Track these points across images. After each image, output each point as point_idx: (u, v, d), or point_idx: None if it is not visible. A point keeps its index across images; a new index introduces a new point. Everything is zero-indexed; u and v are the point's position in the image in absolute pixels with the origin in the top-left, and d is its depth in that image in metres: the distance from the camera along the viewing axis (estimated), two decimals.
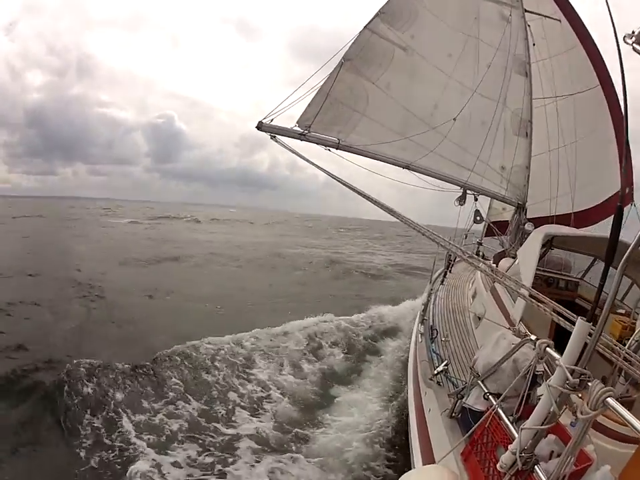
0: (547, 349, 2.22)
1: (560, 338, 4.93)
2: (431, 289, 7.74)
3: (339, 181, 5.57)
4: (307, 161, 6.03)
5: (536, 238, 5.29)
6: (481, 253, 10.95)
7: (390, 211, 4.55)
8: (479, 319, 5.55)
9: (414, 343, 5.97)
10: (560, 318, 2.56)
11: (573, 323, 2.05)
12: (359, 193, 5.13)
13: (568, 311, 2.64)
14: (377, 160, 6.78)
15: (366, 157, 6.73)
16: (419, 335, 5.62)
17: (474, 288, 6.82)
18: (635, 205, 8.22)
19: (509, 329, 3.69)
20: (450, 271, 9.06)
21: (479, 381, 2.95)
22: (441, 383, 4.06)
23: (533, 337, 2.44)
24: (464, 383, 3.41)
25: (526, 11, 8.92)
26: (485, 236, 10.36)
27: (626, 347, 2.71)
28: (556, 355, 2.10)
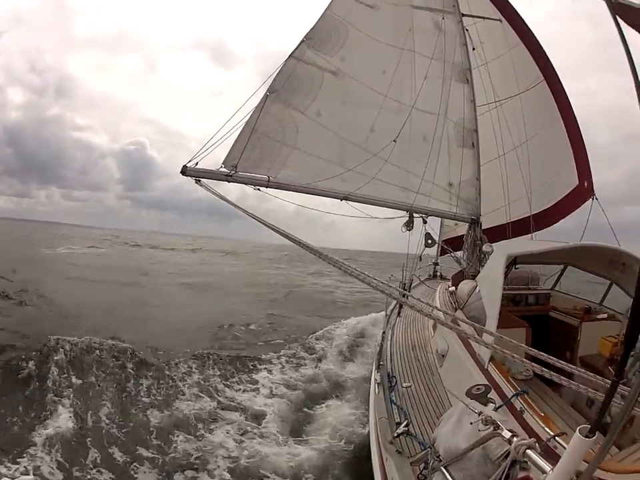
0: (528, 451, 1.81)
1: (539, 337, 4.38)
2: (387, 323, 7.21)
3: (253, 217, 5.03)
4: (232, 204, 5.49)
5: (497, 263, 4.72)
6: (438, 274, 10.49)
7: (307, 247, 4.03)
8: (443, 356, 5.03)
9: (372, 395, 5.34)
10: (540, 353, 2.52)
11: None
12: (272, 227, 4.52)
13: (543, 353, 2.56)
14: (313, 194, 6.36)
15: (299, 192, 6.31)
16: (376, 384, 5.03)
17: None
18: (596, 198, 7.82)
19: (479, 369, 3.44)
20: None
21: (442, 467, 2.45)
22: (401, 450, 3.53)
23: (506, 433, 1.99)
24: (430, 444, 2.98)
25: (463, 15, 8.62)
26: (441, 254, 9.87)
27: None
28: (542, 462, 1.71)
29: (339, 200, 6.32)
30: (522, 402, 3.05)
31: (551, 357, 2.41)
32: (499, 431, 2.03)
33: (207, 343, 10.87)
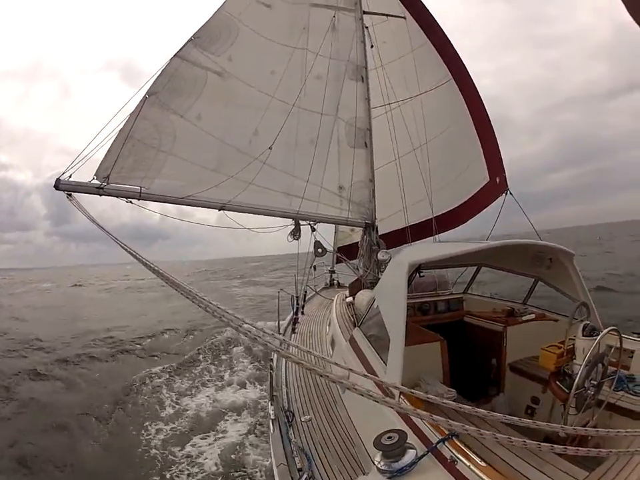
0: None
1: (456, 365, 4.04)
2: (280, 344, 6.77)
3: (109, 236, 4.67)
4: (103, 229, 5.03)
5: (398, 273, 3.92)
6: (335, 282, 10.15)
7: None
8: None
9: (270, 436, 4.40)
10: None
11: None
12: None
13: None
14: (187, 205, 6.04)
15: (173, 204, 6.00)
16: (271, 421, 4.32)
17: (331, 334, 5.72)
18: (510, 193, 7.79)
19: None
20: (302, 312, 8.08)
21: None
22: None
23: None
24: None
25: (365, 12, 8.44)
26: (337, 262, 9.63)
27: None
28: None
29: (217, 210, 6.03)
30: (452, 449, 2.33)
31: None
32: None
33: None
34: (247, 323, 2.49)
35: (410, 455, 2.27)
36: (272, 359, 5.99)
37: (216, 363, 10.93)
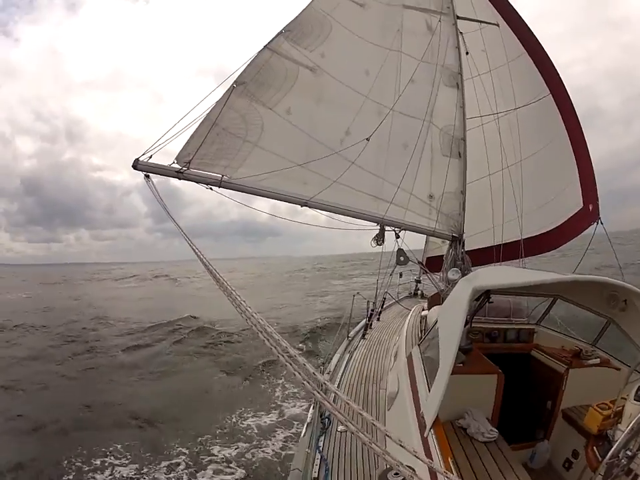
0: None
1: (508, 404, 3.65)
2: (346, 347, 6.35)
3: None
4: (172, 219, 4.87)
5: (461, 296, 3.73)
6: (419, 292, 9.68)
7: None
8: (393, 399, 4.15)
9: (300, 438, 4.43)
10: None
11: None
12: None
13: None
14: (269, 198, 5.65)
15: (254, 194, 5.62)
16: (306, 425, 4.25)
17: (397, 345, 5.41)
18: (601, 223, 7.05)
19: None
20: (378, 319, 7.60)
21: None
22: None
23: None
24: None
25: (458, 17, 8.01)
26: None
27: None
28: None
29: (300, 206, 5.60)
30: None
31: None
32: None
33: None
34: (288, 353, 2.31)
35: None
36: (339, 359, 5.79)
37: None
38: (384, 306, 8.35)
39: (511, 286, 3.95)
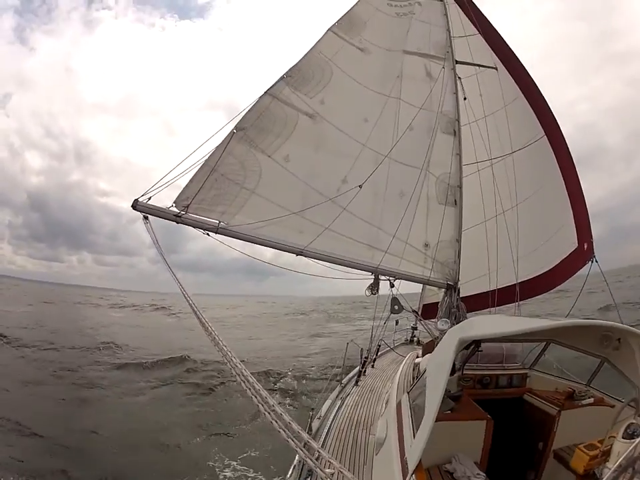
0: None
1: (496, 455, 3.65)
2: (338, 393, 6.33)
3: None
4: (163, 258, 4.97)
5: (448, 346, 3.77)
6: (415, 339, 9.68)
7: None
8: (380, 444, 4.16)
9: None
10: None
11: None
12: None
13: None
14: (265, 246, 5.71)
15: (250, 242, 5.67)
16: (292, 467, 4.35)
17: (389, 392, 5.45)
18: (596, 261, 7.08)
19: None
20: (373, 366, 7.58)
21: None
22: None
23: None
24: None
25: (457, 62, 8.16)
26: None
27: None
28: None
29: (295, 255, 5.65)
30: None
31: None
32: None
33: None
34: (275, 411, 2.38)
35: None
36: (331, 405, 5.78)
37: None
38: (379, 353, 8.33)
39: (498, 336, 3.97)
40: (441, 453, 3.46)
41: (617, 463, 2.34)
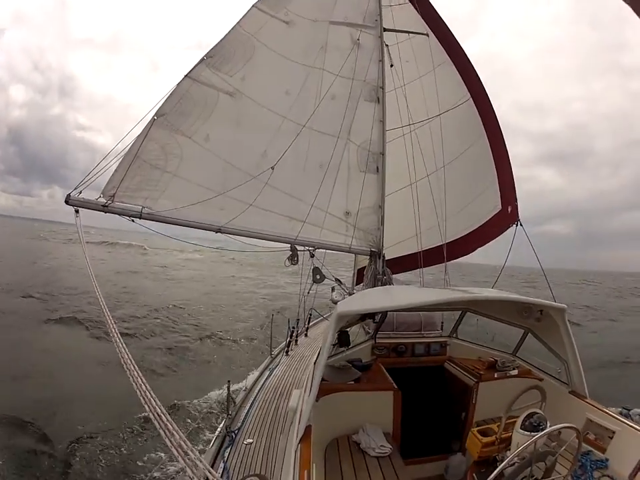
0: None
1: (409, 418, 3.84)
2: (267, 364, 6.65)
3: None
4: (84, 253, 5.22)
5: (331, 319, 3.60)
6: None
7: None
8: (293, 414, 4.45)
9: (207, 450, 4.53)
10: None
11: None
12: None
13: None
14: (185, 226, 5.98)
15: (172, 224, 5.95)
16: (215, 437, 4.49)
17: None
18: (521, 224, 7.30)
19: None
20: (306, 335, 7.86)
21: None
22: None
23: None
24: None
25: (385, 29, 8.15)
26: (357, 284, 9.29)
27: None
28: None
29: (214, 232, 5.94)
30: None
31: None
32: None
33: None
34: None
35: None
36: (257, 378, 5.90)
37: None
38: (315, 321, 8.60)
39: (378, 310, 4.15)
40: (349, 424, 3.56)
41: (509, 458, 2.24)
